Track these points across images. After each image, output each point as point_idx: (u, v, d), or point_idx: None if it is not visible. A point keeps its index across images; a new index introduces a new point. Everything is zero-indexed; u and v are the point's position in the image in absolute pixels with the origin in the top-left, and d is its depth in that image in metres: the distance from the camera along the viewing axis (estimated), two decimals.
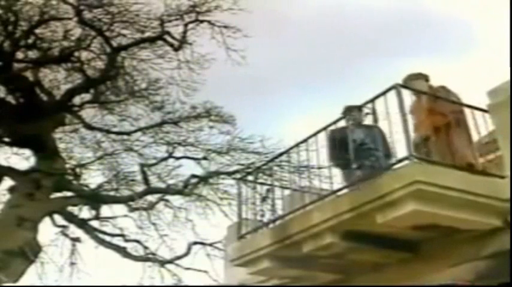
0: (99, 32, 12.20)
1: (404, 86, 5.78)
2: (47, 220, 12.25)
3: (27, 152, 12.55)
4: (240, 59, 12.56)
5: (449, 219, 4.82)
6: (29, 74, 12.18)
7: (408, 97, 5.56)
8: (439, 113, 5.77)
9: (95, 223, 13.14)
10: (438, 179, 4.58)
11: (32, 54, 12.46)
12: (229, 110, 13.67)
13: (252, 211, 6.64)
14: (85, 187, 13.35)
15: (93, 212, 13.13)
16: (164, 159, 13.64)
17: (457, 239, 5.10)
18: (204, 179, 13.28)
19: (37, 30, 12.11)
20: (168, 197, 13.47)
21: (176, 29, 12.71)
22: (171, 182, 13.55)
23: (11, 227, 10.73)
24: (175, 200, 13.52)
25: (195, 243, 12.99)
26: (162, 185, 13.53)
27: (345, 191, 5.66)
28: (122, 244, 13.05)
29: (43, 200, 11.55)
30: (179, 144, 13.71)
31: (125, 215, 13.34)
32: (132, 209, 13.30)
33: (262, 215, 6.46)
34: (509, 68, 5.33)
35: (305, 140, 6.03)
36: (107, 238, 13.01)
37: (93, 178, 13.85)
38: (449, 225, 4.94)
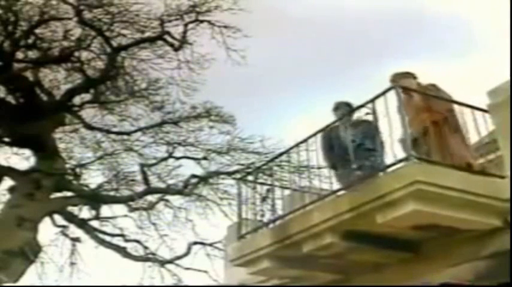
0: (99, 32, 12.20)
1: (404, 87, 5.79)
2: (47, 220, 12.28)
3: (27, 152, 12.58)
4: (240, 59, 12.60)
5: (449, 219, 4.82)
6: (29, 74, 12.19)
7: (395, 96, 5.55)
8: (433, 110, 5.72)
9: (95, 223, 13.18)
10: (438, 179, 4.58)
11: (32, 54, 12.48)
12: (229, 110, 13.71)
13: (252, 211, 6.64)
14: (85, 187, 13.36)
15: (93, 212, 13.14)
16: (164, 159, 13.65)
17: (457, 239, 5.10)
18: (204, 179, 13.29)
19: (37, 30, 12.12)
20: (168, 197, 13.49)
21: (176, 29, 12.74)
22: (171, 182, 13.59)
23: (11, 227, 10.74)
24: (175, 200, 13.56)
25: (195, 243, 13.01)
26: (162, 185, 13.54)
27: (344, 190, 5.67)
28: (122, 244, 13.09)
29: (43, 200, 11.56)
30: (179, 144, 13.72)
31: (125, 215, 13.37)
32: (132, 209, 13.31)
33: (262, 215, 6.46)
34: (509, 68, 5.33)
35: (305, 140, 6.03)
36: (107, 238, 13.03)
37: (93, 178, 13.89)
38: (449, 225, 4.94)
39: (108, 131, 13.76)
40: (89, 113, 13.45)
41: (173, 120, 13.63)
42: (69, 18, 12.11)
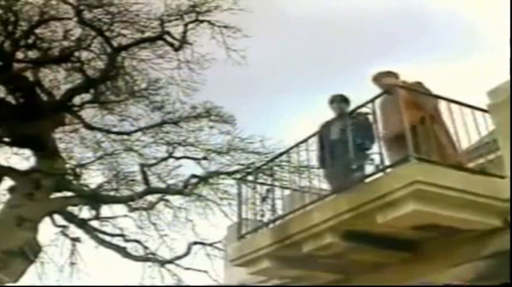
0: (99, 32, 12.20)
1: (404, 86, 5.79)
2: (47, 220, 12.28)
3: (27, 152, 12.58)
4: (240, 59, 12.61)
5: (450, 219, 4.82)
6: (29, 74, 12.20)
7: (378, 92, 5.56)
8: (420, 108, 5.68)
9: (95, 223, 13.18)
10: (438, 179, 4.58)
11: (32, 54, 12.49)
12: (229, 110, 13.70)
13: (252, 211, 6.63)
14: (85, 187, 13.34)
15: (93, 212, 13.14)
16: (164, 159, 13.64)
17: (457, 239, 5.10)
18: (204, 179, 13.28)
19: (37, 30, 12.12)
20: (168, 197, 13.48)
21: (176, 29, 12.75)
22: (171, 182, 13.57)
23: (11, 227, 10.74)
24: (175, 200, 13.55)
25: (195, 243, 13.00)
26: (162, 185, 13.53)
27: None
28: (122, 244, 13.08)
29: (43, 200, 11.56)
30: (179, 144, 13.71)
31: (125, 215, 13.36)
32: (132, 209, 13.31)
33: (262, 215, 6.45)
34: (509, 68, 5.32)
35: (305, 140, 6.04)
36: (107, 238, 13.03)
37: (93, 178, 13.88)
38: (449, 225, 4.94)
39: (108, 131, 13.76)
40: (89, 113, 13.48)
41: (173, 120, 13.63)
42: (69, 18, 12.13)
